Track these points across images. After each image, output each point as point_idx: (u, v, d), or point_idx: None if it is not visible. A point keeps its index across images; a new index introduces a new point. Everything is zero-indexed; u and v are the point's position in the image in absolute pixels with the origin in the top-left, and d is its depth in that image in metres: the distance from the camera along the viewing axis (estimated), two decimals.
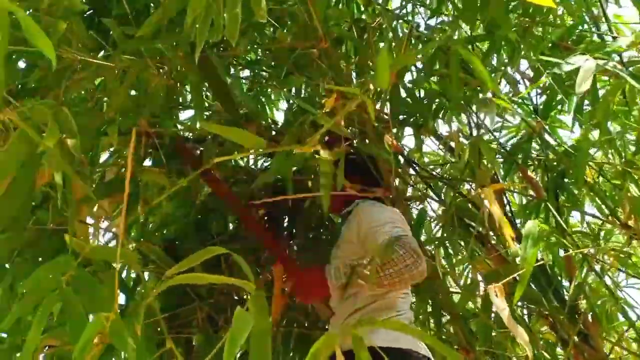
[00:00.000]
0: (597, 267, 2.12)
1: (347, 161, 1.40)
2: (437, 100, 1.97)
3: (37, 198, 1.24)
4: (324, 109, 1.39)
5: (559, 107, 2.43)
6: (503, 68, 2.13)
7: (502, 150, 2.32)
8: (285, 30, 1.38)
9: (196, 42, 1.14)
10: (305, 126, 1.43)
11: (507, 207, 2.32)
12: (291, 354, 1.88)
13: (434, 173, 2.42)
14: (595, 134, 2.16)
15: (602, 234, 2.26)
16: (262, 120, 1.58)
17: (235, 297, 1.78)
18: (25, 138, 0.88)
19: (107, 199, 1.31)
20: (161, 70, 1.26)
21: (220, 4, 1.09)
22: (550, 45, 2.04)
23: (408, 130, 2.14)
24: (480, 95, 1.70)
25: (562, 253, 2.13)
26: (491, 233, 2.08)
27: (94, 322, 0.79)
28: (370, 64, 1.57)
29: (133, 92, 1.39)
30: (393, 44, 1.54)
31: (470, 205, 2.20)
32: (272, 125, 1.72)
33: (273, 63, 1.50)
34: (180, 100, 1.59)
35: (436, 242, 1.96)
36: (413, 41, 1.83)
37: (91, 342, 0.78)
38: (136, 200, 1.32)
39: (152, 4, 1.46)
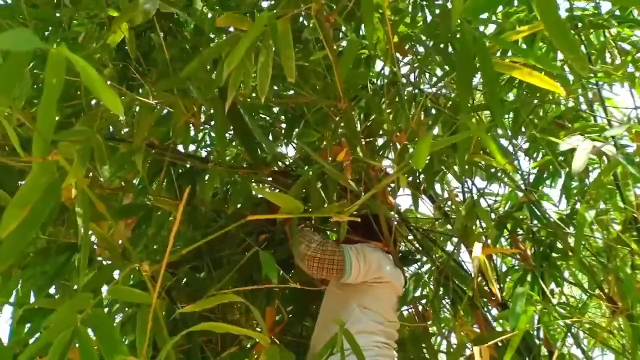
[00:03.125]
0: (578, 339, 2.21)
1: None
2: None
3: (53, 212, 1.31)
4: (334, 160, 1.51)
5: (547, 181, 2.59)
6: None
7: (492, 215, 2.44)
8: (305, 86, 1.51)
9: (224, 87, 1.26)
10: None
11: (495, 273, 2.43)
12: None
13: (424, 231, 2.54)
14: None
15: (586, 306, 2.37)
16: (278, 163, 1.71)
17: None
18: (48, 170, 0.91)
19: (123, 221, 1.40)
20: (189, 109, 1.37)
21: (252, 59, 1.22)
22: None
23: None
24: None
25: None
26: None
27: None
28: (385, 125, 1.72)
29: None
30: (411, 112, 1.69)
31: (456, 265, 2.32)
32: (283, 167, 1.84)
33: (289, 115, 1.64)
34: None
35: (427, 300, 2.05)
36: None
37: None
38: (149, 222, 1.43)
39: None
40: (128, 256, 1.41)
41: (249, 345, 1.86)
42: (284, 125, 1.86)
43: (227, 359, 1.72)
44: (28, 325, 1.74)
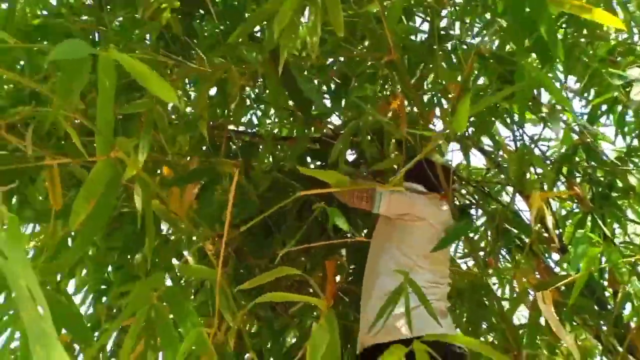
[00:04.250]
0: None
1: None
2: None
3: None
4: (389, 111, 1.56)
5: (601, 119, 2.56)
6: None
7: (548, 162, 2.45)
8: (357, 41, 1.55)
9: (274, 48, 1.31)
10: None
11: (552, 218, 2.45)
12: None
13: (478, 184, 2.57)
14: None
15: None
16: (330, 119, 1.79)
17: None
18: (110, 164, 1.01)
19: (191, 185, 1.52)
20: (242, 73, 1.43)
21: (300, 18, 1.26)
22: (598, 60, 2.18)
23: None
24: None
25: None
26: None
27: (191, 336, 0.95)
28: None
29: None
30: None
31: (513, 214, 2.35)
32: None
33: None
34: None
35: (486, 252, 2.09)
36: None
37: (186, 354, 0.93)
38: (214, 186, 1.54)
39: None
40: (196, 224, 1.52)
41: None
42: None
43: (297, 314, 1.82)
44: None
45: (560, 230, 2.48)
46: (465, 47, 2.09)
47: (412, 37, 2.10)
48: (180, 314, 1.03)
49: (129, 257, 1.71)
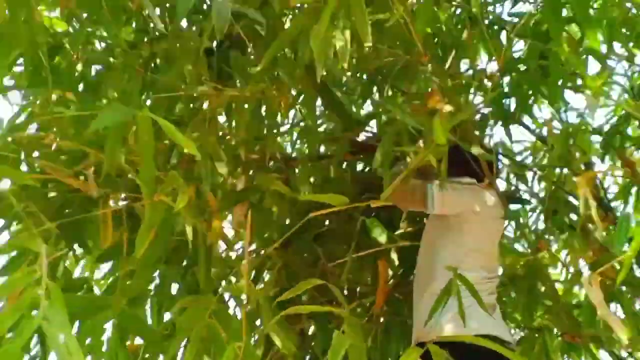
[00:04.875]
0: None
1: (450, 161, 1.57)
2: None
3: None
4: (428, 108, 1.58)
5: None
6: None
7: (598, 134, 2.39)
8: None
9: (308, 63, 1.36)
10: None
11: (603, 193, 2.41)
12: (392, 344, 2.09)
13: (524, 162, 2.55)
14: None
15: None
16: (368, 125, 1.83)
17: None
18: (161, 203, 1.15)
19: (239, 205, 1.61)
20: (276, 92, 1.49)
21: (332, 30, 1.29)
22: None
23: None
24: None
25: None
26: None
27: (229, 350, 1.05)
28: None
29: None
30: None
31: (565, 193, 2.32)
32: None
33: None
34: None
35: (538, 234, 2.09)
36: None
37: None
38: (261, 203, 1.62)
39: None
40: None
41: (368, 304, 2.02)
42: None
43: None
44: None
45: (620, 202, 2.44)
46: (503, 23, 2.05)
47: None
48: (228, 329, 1.17)
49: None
